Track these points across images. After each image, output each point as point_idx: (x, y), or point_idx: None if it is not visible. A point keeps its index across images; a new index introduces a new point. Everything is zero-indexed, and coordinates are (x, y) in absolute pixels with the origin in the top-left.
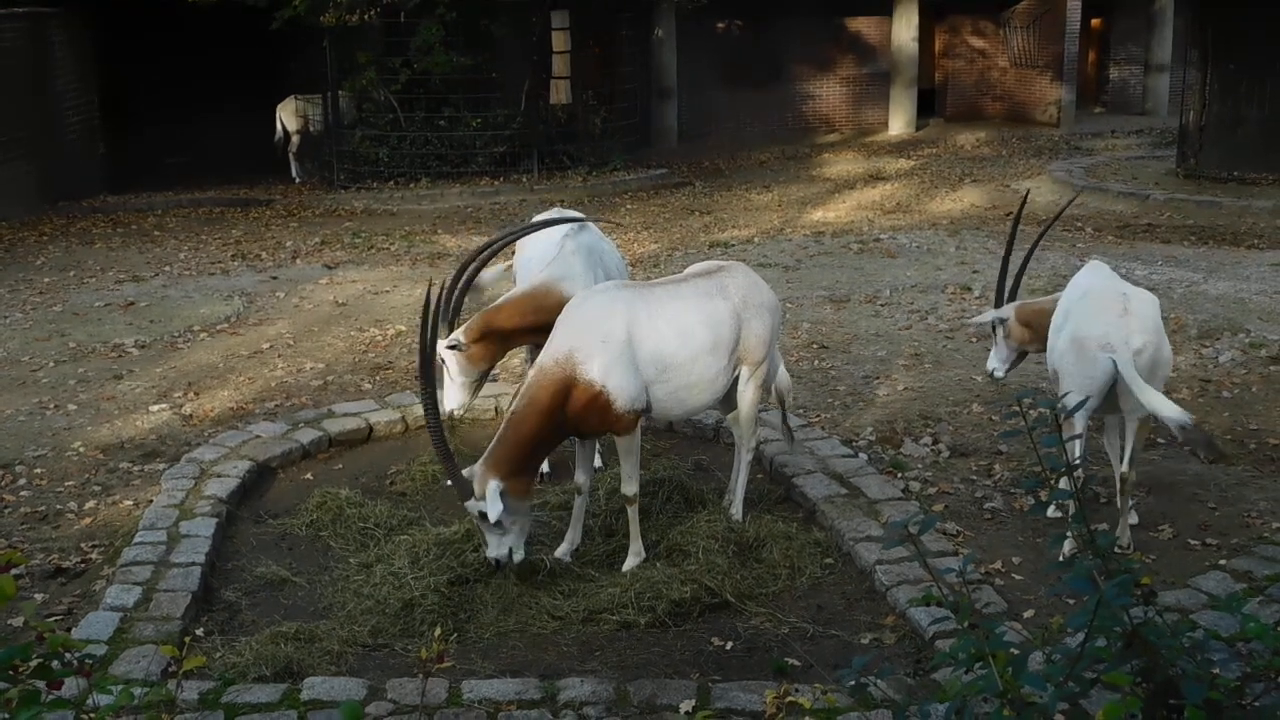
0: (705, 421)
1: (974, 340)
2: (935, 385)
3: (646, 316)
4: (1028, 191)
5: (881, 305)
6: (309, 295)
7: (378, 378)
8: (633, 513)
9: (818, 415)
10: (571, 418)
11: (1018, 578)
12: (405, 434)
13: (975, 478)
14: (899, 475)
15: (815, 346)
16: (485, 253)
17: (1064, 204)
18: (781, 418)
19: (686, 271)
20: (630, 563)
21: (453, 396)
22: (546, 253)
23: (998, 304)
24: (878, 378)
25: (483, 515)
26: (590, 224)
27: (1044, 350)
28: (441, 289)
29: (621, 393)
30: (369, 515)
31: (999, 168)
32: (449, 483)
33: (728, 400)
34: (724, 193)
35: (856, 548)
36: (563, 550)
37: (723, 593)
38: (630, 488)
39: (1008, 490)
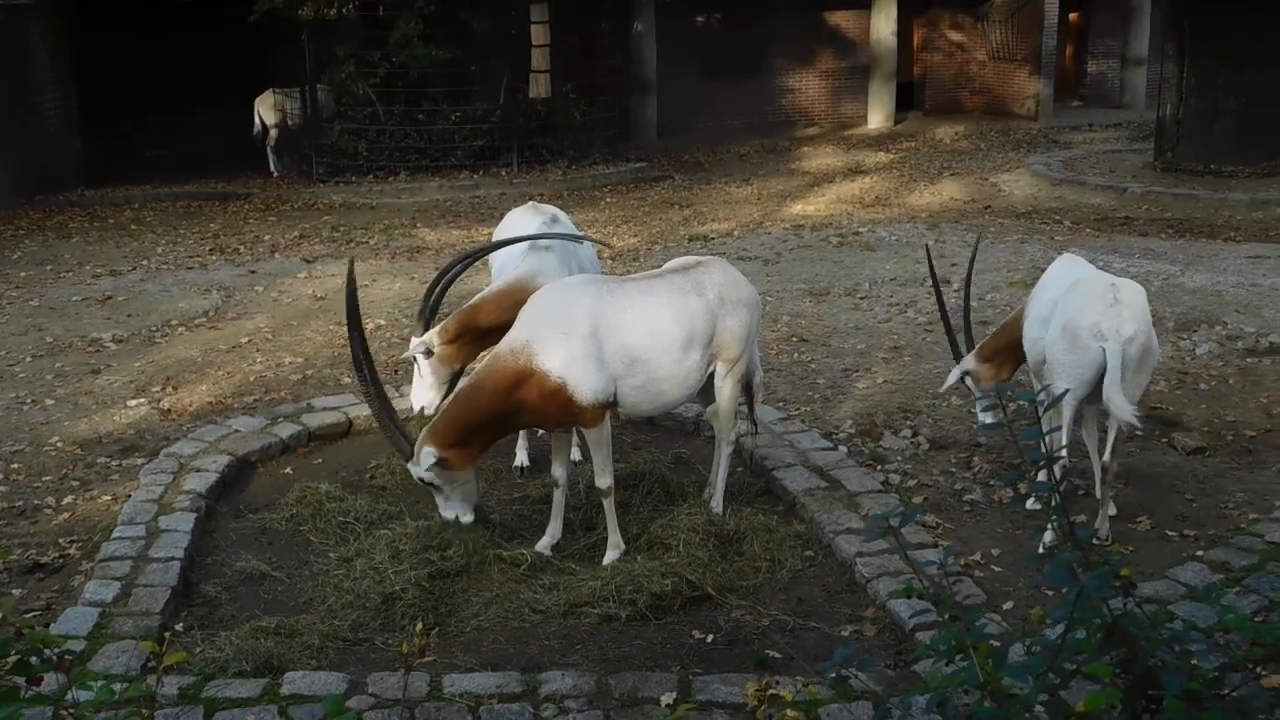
0: (685, 415)
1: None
2: (914, 378)
3: (614, 310)
4: (928, 246)
5: (861, 298)
6: (287, 289)
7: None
8: (609, 505)
9: (798, 408)
10: (530, 408)
11: (997, 569)
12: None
13: (955, 470)
14: (879, 468)
15: (795, 339)
16: (467, 259)
17: (973, 251)
18: (749, 410)
19: (665, 266)
20: (610, 556)
21: (422, 395)
22: (521, 250)
23: (956, 357)
24: (857, 370)
25: (424, 480)
26: (563, 219)
27: (1020, 364)
28: (432, 285)
29: (583, 385)
30: (349, 509)
31: (978, 161)
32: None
33: (708, 394)
34: (703, 186)
35: (837, 540)
36: (543, 544)
37: (703, 586)
38: (603, 480)
39: (987, 482)
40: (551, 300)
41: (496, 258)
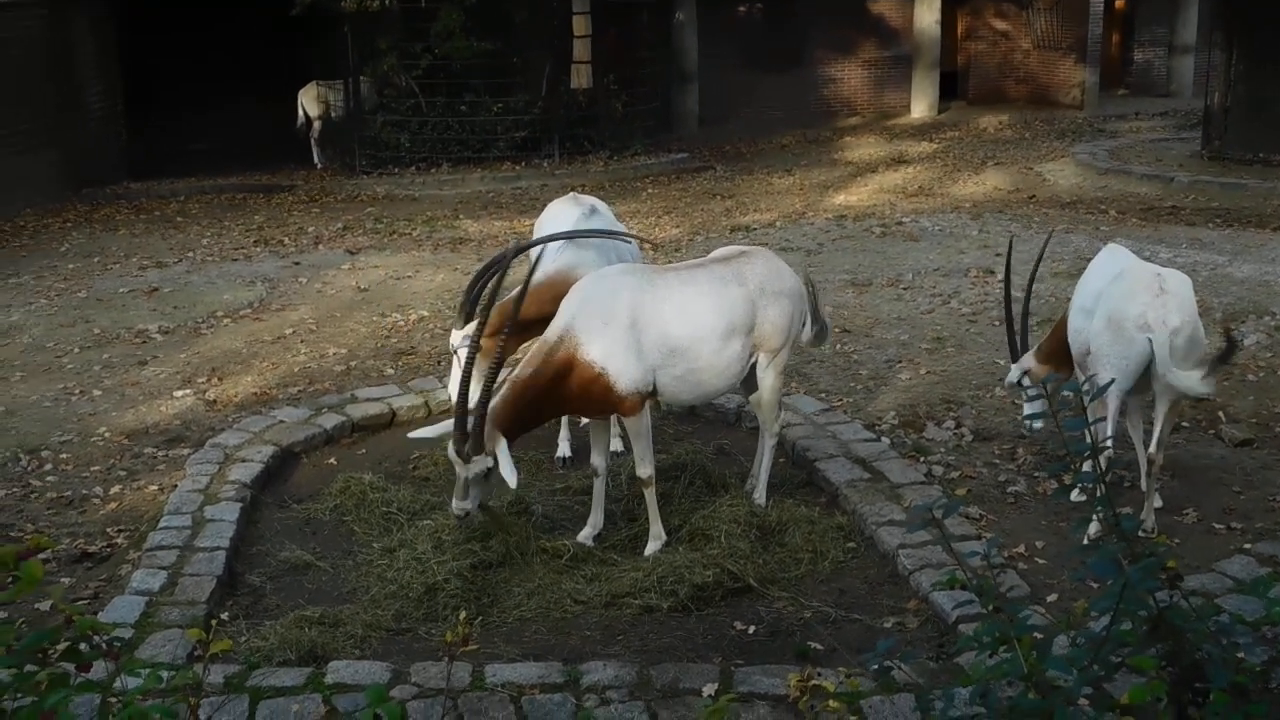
0: (727, 406)
1: (997, 323)
2: (958, 369)
3: (653, 300)
4: (1011, 239)
5: (904, 289)
6: (331, 281)
7: (400, 363)
8: (650, 495)
9: (840, 399)
10: (571, 398)
11: (1041, 562)
12: (428, 419)
13: (998, 462)
14: (921, 459)
15: (837, 330)
16: (511, 255)
17: (1044, 242)
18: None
19: (709, 256)
20: (652, 547)
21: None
22: (557, 243)
23: (1014, 357)
24: (900, 362)
25: (485, 473)
26: (603, 210)
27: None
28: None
29: (623, 375)
30: (392, 500)
31: (1022, 150)
32: (438, 425)
33: (750, 384)
34: (745, 176)
35: (879, 532)
36: (585, 534)
37: (745, 577)
38: (644, 470)
39: (1031, 474)
40: (593, 290)
41: (535, 251)
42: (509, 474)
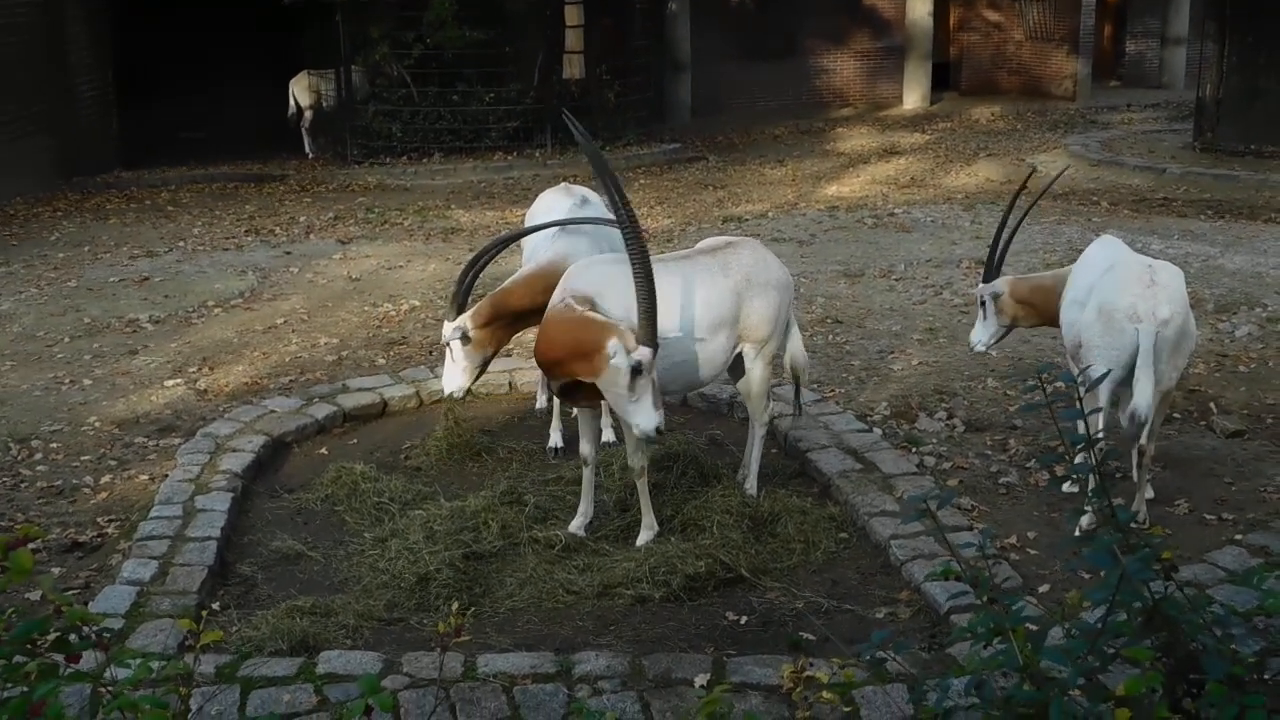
0: (719, 396)
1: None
2: (950, 360)
3: None
4: (1032, 169)
5: (896, 280)
6: (323, 270)
7: (392, 353)
8: (642, 486)
9: (832, 390)
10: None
11: (1033, 553)
12: (419, 409)
13: (990, 453)
14: (914, 450)
15: (829, 321)
16: (499, 244)
17: (1055, 174)
18: (795, 393)
19: (696, 247)
20: (644, 537)
21: (454, 379)
22: (553, 232)
23: (988, 277)
24: (892, 352)
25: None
26: (594, 200)
27: (1038, 325)
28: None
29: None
30: (384, 490)
31: (1014, 142)
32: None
33: (737, 372)
34: (738, 167)
35: (871, 522)
36: (576, 524)
37: (737, 567)
38: (636, 460)
39: (1023, 465)
40: (584, 277)
41: (528, 240)
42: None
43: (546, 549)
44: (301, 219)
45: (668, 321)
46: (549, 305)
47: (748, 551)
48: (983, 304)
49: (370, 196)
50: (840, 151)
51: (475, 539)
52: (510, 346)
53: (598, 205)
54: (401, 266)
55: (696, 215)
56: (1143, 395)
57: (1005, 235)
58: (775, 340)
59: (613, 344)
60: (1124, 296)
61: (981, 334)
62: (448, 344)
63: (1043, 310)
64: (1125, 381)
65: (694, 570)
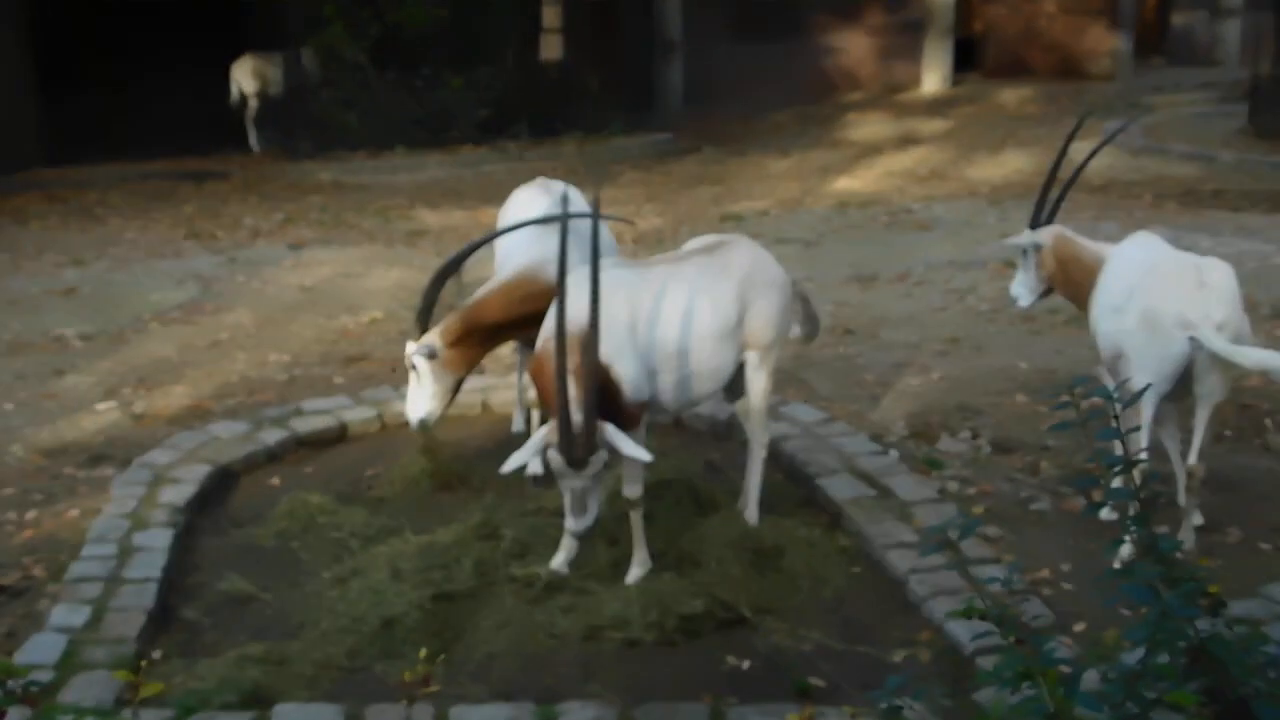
0: (719, 416)
1: (1019, 321)
2: (974, 373)
3: (649, 298)
4: (1085, 114)
5: (914, 284)
6: (272, 279)
7: (351, 371)
8: (636, 518)
9: (843, 408)
10: None
11: (1067, 587)
12: (382, 433)
13: (1019, 476)
14: (934, 474)
15: (839, 331)
16: (467, 252)
17: (1116, 129)
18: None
19: (685, 248)
20: (635, 573)
21: (421, 405)
22: (526, 235)
23: (1034, 225)
24: (909, 365)
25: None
26: (575, 197)
27: (1067, 297)
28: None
29: (629, 380)
30: (343, 523)
31: (1046, 128)
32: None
33: (735, 389)
34: (736, 159)
35: (887, 555)
36: (559, 560)
37: (738, 606)
38: (633, 489)
39: (1055, 490)
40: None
41: (501, 245)
42: (639, 450)
43: (526, 588)
44: (247, 221)
45: (673, 332)
46: (541, 337)
47: (749, 588)
48: (1025, 253)
49: (324, 195)
50: (851, 141)
51: (446, 578)
52: (485, 362)
53: (579, 201)
54: (360, 274)
55: (691, 214)
56: (1258, 359)
57: (1057, 181)
58: (777, 349)
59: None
60: (1170, 300)
61: (1021, 286)
62: (413, 365)
63: (1074, 286)
64: (1170, 396)
65: (690, 610)
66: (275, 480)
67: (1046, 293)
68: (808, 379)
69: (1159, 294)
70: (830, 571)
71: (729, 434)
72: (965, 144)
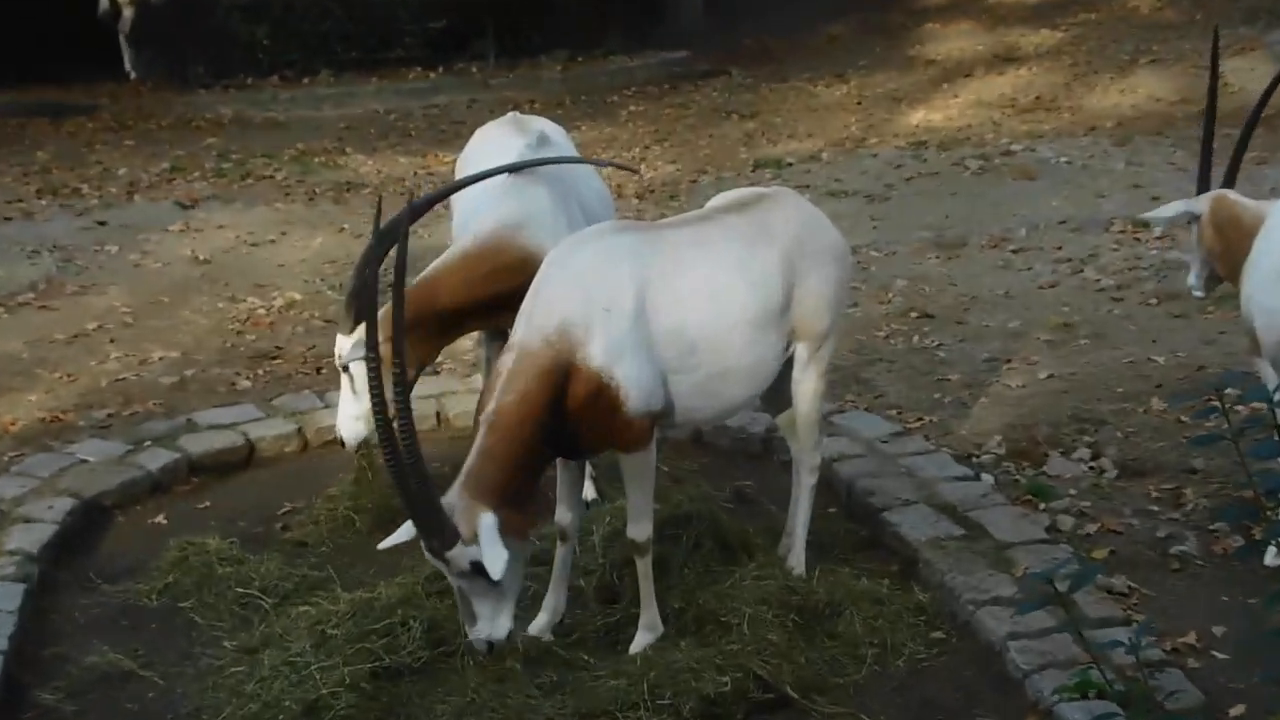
0: (751, 429)
1: (1153, 300)
2: (1096, 371)
3: (662, 274)
4: (1217, 29)
5: (1013, 252)
6: (155, 249)
7: (261, 371)
8: (643, 566)
9: (918, 418)
10: (571, 423)
11: (1220, 656)
12: (303, 454)
13: (1156, 509)
14: (1042, 506)
15: (914, 316)
16: (414, 214)
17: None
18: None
19: (710, 205)
20: (641, 640)
21: (354, 420)
22: (494, 189)
23: (1201, 188)
24: (1008, 361)
25: (475, 569)
26: (557, 138)
27: (1227, 276)
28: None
29: (634, 386)
30: (251, 576)
31: (1191, 40)
32: (408, 522)
33: (776, 395)
34: (774, 86)
35: (979, 615)
36: (541, 624)
37: (780, 685)
38: (639, 529)
39: (1205, 527)
40: (583, 262)
41: (460, 203)
42: (492, 560)
43: (496, 660)
44: (121, 172)
45: (707, 316)
46: (521, 334)
47: (794, 660)
48: (1192, 228)
49: (225, 136)
50: (929, 59)
51: (389, 647)
52: (440, 359)
53: (562, 145)
54: (273, 241)
55: (714, 159)
56: None
57: (1241, 133)
58: (834, 338)
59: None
60: None
61: (1192, 271)
62: (344, 367)
63: (1231, 258)
64: None
65: (715, 690)
66: (160, 519)
67: (1215, 278)
68: (872, 379)
69: None
70: (902, 637)
71: (765, 453)
72: (1082, 63)
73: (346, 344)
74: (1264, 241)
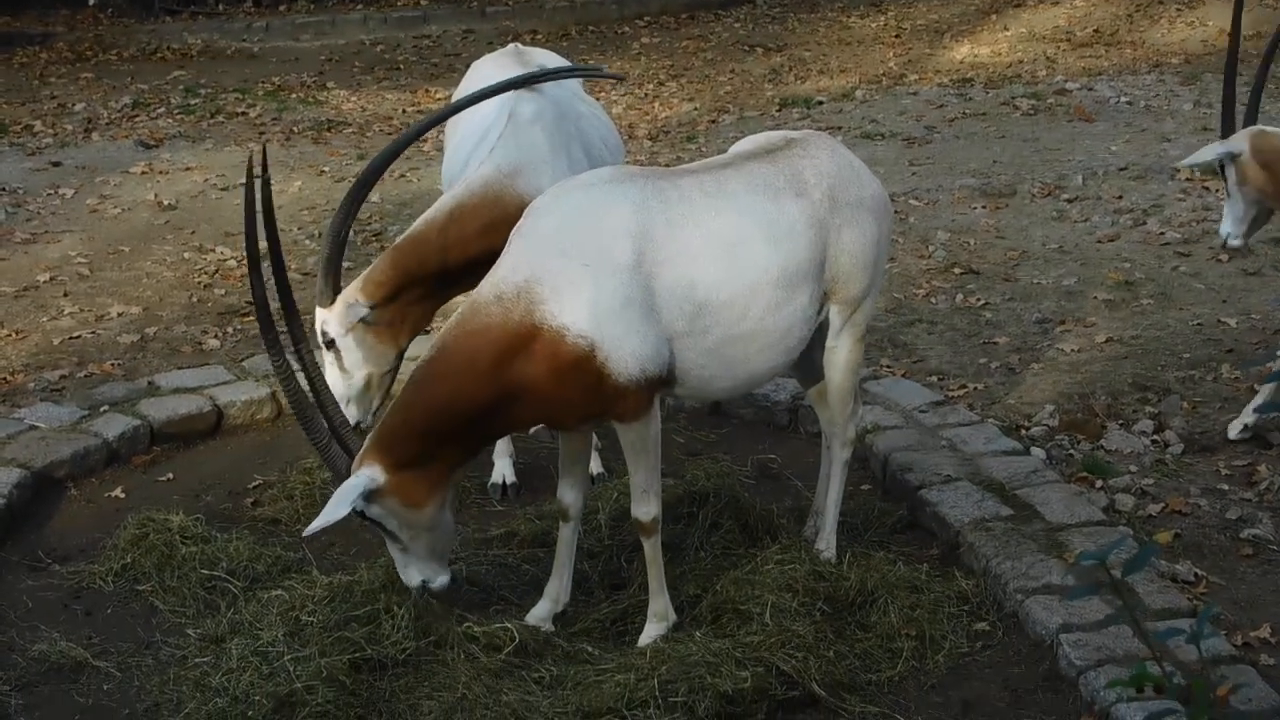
0: (775, 396)
1: (1223, 259)
2: (1159, 335)
3: (667, 223)
4: None
5: (1068, 201)
6: (114, 193)
7: (230, 329)
8: (651, 549)
9: (962, 385)
10: (535, 394)
11: None
12: (277, 421)
13: (1227, 488)
14: (1099, 484)
15: (958, 271)
16: (391, 154)
17: None
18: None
19: (733, 150)
20: (651, 631)
21: (347, 398)
22: (490, 127)
23: (1225, 131)
24: (1062, 323)
25: (363, 518)
26: (552, 59)
27: None
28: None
29: (625, 351)
30: (218, 557)
31: None
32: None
33: (807, 364)
34: (804, 16)
35: (1028, 605)
36: (541, 612)
37: (806, 681)
38: (645, 508)
39: None
40: (566, 209)
41: (451, 145)
42: (324, 515)
43: (490, 652)
44: (78, 107)
45: (719, 273)
46: (480, 287)
47: (822, 654)
48: (1222, 170)
49: (192, 69)
50: None
51: (371, 636)
52: (436, 321)
53: (565, 83)
54: (242, 185)
55: (735, 96)
56: None
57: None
58: (872, 300)
59: None
60: None
61: (1228, 219)
62: (328, 341)
63: None
64: None
65: (734, 686)
66: (118, 492)
67: (1264, 217)
68: (911, 342)
69: None
70: (943, 629)
71: (792, 425)
72: None
73: (330, 317)
74: None
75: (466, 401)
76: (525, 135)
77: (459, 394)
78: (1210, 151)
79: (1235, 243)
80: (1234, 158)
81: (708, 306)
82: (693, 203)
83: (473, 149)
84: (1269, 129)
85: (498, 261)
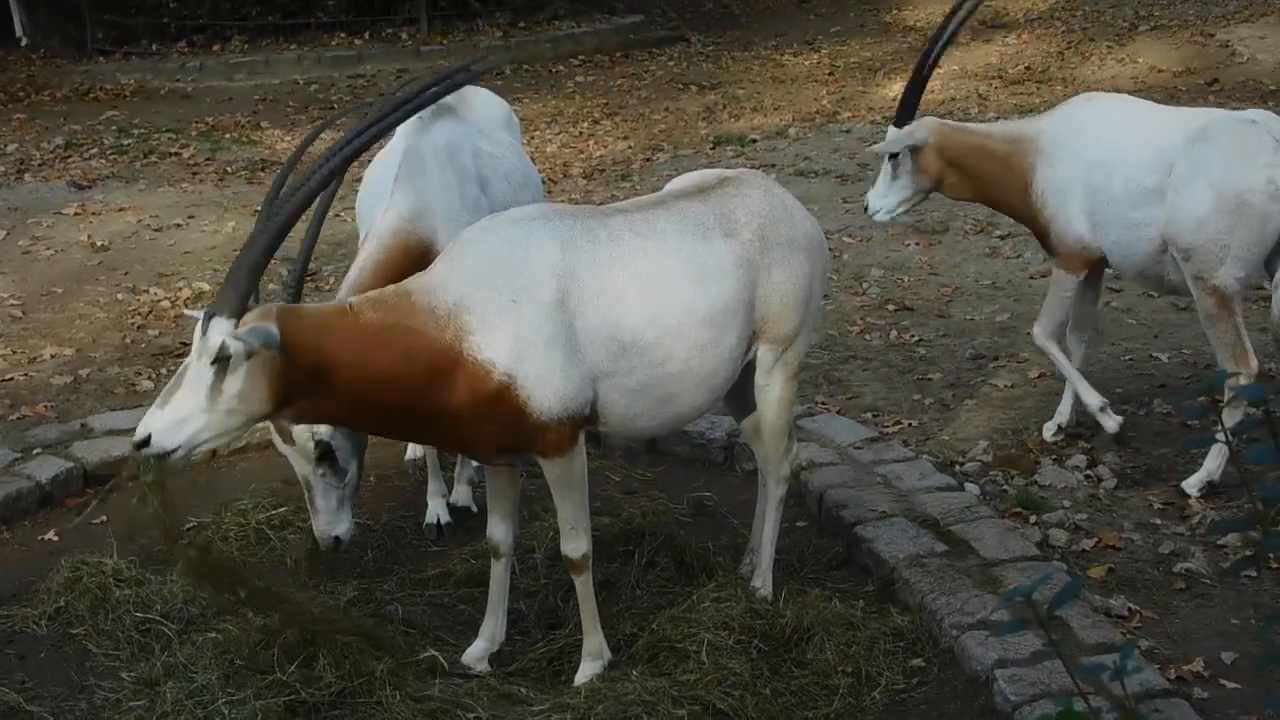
0: (711, 434)
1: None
2: (1092, 370)
3: (594, 263)
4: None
5: (1000, 238)
6: (47, 235)
7: (164, 370)
8: (583, 587)
9: (897, 421)
10: (454, 419)
11: (1230, 685)
12: (212, 462)
13: (1160, 521)
14: (1032, 519)
15: (892, 308)
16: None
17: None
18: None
19: (667, 188)
20: (586, 670)
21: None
22: (393, 173)
23: (901, 120)
24: (995, 359)
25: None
26: (491, 106)
27: (968, 198)
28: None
29: (549, 389)
30: (152, 599)
31: (1196, 4)
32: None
33: (740, 398)
34: (738, 54)
35: (963, 640)
36: (478, 651)
37: (742, 719)
38: (575, 544)
39: (1214, 543)
40: (494, 243)
41: (366, 192)
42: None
43: (421, 695)
44: (10, 148)
45: (645, 312)
46: (412, 284)
47: (758, 692)
48: (893, 157)
49: (126, 109)
50: (907, 25)
51: (305, 679)
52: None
53: (481, 110)
54: (179, 225)
55: (670, 135)
56: None
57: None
58: (805, 339)
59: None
60: (1249, 170)
61: (880, 196)
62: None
63: (977, 179)
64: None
65: None
66: (51, 535)
67: (920, 199)
68: (846, 379)
69: (1230, 165)
70: (877, 665)
71: (727, 462)
72: (1076, 30)
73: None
74: (1075, 159)
75: (385, 389)
76: (416, 179)
77: (381, 376)
78: (898, 142)
79: (883, 218)
80: (916, 149)
81: (633, 347)
82: (621, 242)
83: (378, 194)
84: (947, 122)
85: (427, 270)
